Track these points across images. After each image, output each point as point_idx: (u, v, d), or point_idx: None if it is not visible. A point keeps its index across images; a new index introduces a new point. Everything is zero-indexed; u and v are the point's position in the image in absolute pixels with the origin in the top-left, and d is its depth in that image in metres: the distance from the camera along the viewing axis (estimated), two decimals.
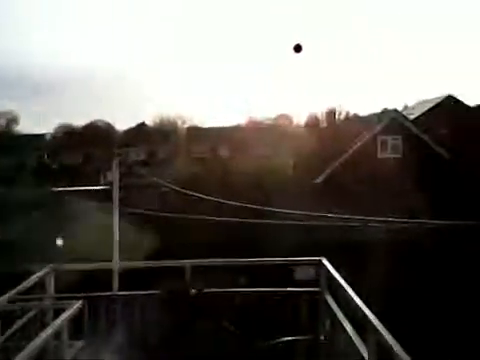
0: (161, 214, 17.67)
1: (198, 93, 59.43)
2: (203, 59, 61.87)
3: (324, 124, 41.47)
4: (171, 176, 24.21)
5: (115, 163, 9.15)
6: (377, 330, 3.65)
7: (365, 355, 4.05)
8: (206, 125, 48.32)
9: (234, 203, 15.94)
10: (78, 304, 4.49)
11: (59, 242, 11.75)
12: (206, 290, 5.82)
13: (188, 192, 17.12)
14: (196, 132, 46.54)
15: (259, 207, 16.37)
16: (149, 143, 45.66)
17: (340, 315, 5.13)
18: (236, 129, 44.65)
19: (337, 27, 56.99)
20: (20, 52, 54.96)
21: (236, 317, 5.88)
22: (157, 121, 52.00)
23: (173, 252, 10.13)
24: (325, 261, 6.00)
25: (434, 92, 37.66)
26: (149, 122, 51.84)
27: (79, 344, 4.87)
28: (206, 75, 60.94)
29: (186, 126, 51.09)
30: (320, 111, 43.24)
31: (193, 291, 5.75)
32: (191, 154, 42.04)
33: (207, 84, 61.94)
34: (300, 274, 7.01)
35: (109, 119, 50.53)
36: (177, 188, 18.50)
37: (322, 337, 5.74)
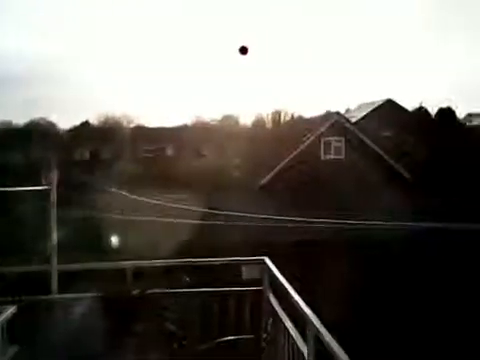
0: (96, 214, 17.33)
1: (145, 93, 58.68)
2: (150, 60, 61.14)
3: (270, 125, 41.96)
4: (114, 176, 23.80)
5: (53, 163, 8.88)
6: (315, 327, 3.72)
7: (305, 352, 4.12)
8: (152, 125, 47.77)
9: (172, 205, 15.86)
10: (12, 309, 4.32)
11: None
12: (149, 291, 5.75)
13: (127, 194, 16.91)
14: (142, 132, 45.91)
15: (197, 209, 16.37)
16: (93, 142, 44.64)
17: (281, 313, 5.20)
18: (182, 129, 44.42)
19: (282, 30, 57.70)
20: None
21: (180, 318, 5.85)
22: (102, 120, 50.94)
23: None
24: (267, 260, 6.07)
25: (375, 96, 38.90)
26: (93, 121, 50.69)
27: (14, 349, 4.68)
28: (153, 76, 60.29)
29: (132, 126, 50.30)
30: (266, 113, 43.71)
31: (135, 292, 5.67)
32: (136, 154, 41.45)
33: (154, 85, 61.30)
34: (247, 273, 7.05)
35: (51, 117, 49.04)
36: (115, 190, 18.26)
37: (264, 335, 5.80)
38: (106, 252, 11.08)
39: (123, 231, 13.88)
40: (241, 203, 17.50)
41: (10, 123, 48.68)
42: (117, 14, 58.46)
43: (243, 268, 6.79)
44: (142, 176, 23.17)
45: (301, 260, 14.07)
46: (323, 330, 3.61)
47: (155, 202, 17.81)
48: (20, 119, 48.58)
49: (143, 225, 16.14)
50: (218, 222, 16.43)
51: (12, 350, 4.66)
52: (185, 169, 24.23)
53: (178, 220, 16.32)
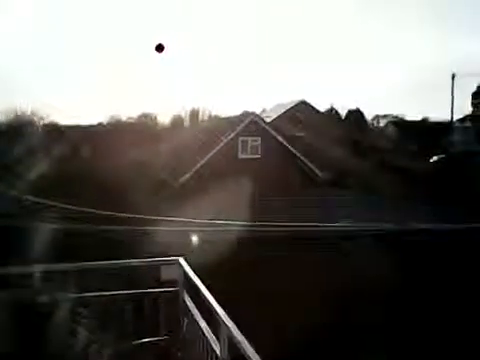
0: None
1: (58, 90, 56.24)
2: (63, 56, 58.75)
3: (188, 124, 41.84)
4: (23, 178, 22.61)
5: None
6: (227, 326, 3.77)
7: (218, 352, 4.17)
8: (65, 122, 45.93)
9: (78, 208, 15.31)
10: None
11: None
12: (58, 297, 5.53)
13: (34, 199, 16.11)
14: (54, 130, 44.02)
15: (103, 212, 15.94)
16: None
17: (196, 313, 5.22)
18: (98, 128, 43.11)
19: (200, 28, 57.68)
20: None
21: (93, 322, 5.68)
22: (10, 116, 48.23)
23: None
24: (181, 260, 6.06)
25: (290, 97, 39.97)
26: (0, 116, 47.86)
27: None
28: (67, 72, 57.96)
29: (43, 123, 48.08)
30: (184, 111, 43.50)
31: (43, 298, 5.44)
32: (48, 154, 39.69)
33: (68, 81, 58.97)
34: (165, 274, 7.00)
35: None
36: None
37: (180, 336, 5.79)
38: None
39: None
40: (155, 206, 17.28)
41: None
42: (27, 8, 55.59)
43: (161, 269, 6.74)
44: (53, 178, 22.14)
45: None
46: (234, 330, 3.67)
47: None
48: None
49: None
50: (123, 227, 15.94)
51: None
52: (102, 171, 23.52)
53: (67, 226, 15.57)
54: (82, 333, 5.62)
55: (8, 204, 18.18)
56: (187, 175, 23.45)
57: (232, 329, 3.69)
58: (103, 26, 57.61)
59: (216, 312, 4.11)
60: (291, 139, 25.84)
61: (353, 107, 39.46)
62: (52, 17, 58.04)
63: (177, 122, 43.33)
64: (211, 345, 4.44)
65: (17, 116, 48.55)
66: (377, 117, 44.79)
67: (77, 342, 5.42)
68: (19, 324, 5.15)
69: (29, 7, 53.48)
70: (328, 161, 24.93)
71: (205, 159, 23.86)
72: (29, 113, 48.57)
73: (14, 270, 6.04)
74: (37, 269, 5.80)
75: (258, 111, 30.30)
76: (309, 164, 24.63)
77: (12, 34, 55.59)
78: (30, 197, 16.30)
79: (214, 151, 24.10)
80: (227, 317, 3.89)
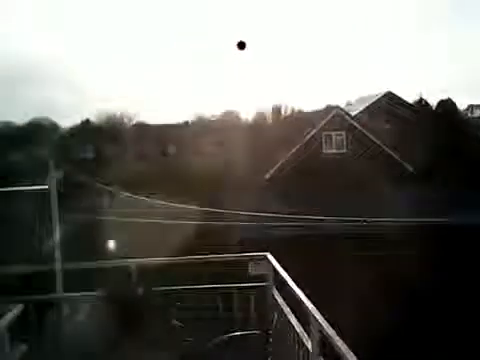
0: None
1: (144, 90, 58.48)
2: (147, 56, 60.90)
3: (270, 120, 41.91)
4: (116, 175, 23.79)
5: (51, 162, 8.89)
6: (318, 321, 3.76)
7: (309, 346, 4.16)
8: (153, 122, 47.73)
9: (178, 205, 15.82)
10: (19, 308, 4.37)
11: None
12: (154, 289, 5.79)
13: (130, 194, 16.88)
14: (143, 129, 45.91)
15: (200, 208, 16.34)
16: (94, 141, 44.64)
17: (286, 309, 5.23)
18: (184, 126, 44.40)
19: (280, 24, 57.47)
20: None
21: (185, 314, 5.89)
22: (103, 118, 50.93)
23: None
24: (270, 256, 6.11)
25: (375, 89, 38.70)
26: (94, 119, 50.67)
27: (23, 349, 4.73)
28: (151, 71, 60.09)
29: (132, 123, 50.31)
30: (266, 108, 43.59)
31: (140, 290, 5.71)
32: (138, 152, 41.44)
33: (152, 81, 61.12)
34: (254, 269, 7.11)
35: (52, 116, 48.95)
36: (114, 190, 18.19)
37: (270, 330, 5.84)
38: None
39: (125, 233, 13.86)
40: (247, 201, 17.48)
41: (10, 123, 48.69)
42: (112, 12, 58.24)
43: (249, 264, 6.83)
44: (146, 175, 23.07)
45: None
46: (326, 325, 3.65)
47: (162, 203, 17.73)
48: (21, 119, 48.55)
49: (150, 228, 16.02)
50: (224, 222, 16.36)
51: (21, 349, 4.71)
52: (188, 167, 24.20)
53: (187, 222, 16.20)
54: (175, 324, 5.87)
55: None
56: (271, 171, 23.51)
57: (323, 324, 3.67)
58: (185, 25, 59.05)
59: (307, 307, 4.10)
60: (378, 132, 25.10)
61: (444, 97, 37.55)
62: (133, 20, 60.29)
63: (260, 119, 43.54)
64: (302, 340, 4.43)
65: (108, 118, 51.22)
66: (471, 107, 42.34)
67: (173, 333, 5.67)
68: (121, 315, 5.46)
69: (111, 9, 56.07)
70: (419, 155, 23.92)
71: (289, 155, 23.79)
72: (119, 114, 51.07)
73: (113, 264, 6.41)
74: (133, 263, 6.12)
75: (342, 105, 29.66)
76: (398, 158, 23.79)
77: (98, 40, 58.55)
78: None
79: (298, 146, 23.96)
80: (318, 312, 3.88)
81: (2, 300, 5.25)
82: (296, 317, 4.88)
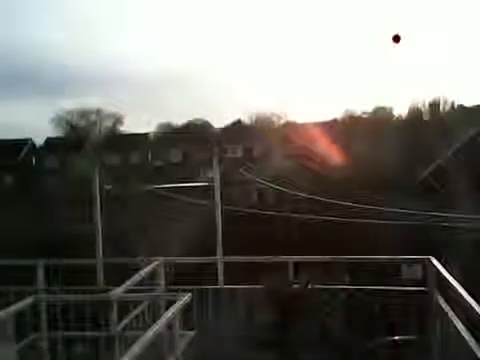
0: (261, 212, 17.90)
1: (292, 87, 59.11)
2: (294, 51, 61.18)
3: (427, 116, 39.50)
4: (269, 174, 24.36)
5: (215, 160, 9.39)
6: None
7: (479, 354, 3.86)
8: (301, 120, 47.98)
9: (342, 203, 15.75)
10: (188, 296, 4.68)
11: None
12: (310, 286, 5.83)
13: (287, 190, 17.18)
14: (292, 128, 46.39)
15: (369, 206, 16.06)
16: (246, 140, 46.26)
17: (451, 315, 4.91)
18: (333, 124, 43.88)
19: (436, 14, 53.82)
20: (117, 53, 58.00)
21: (340, 314, 5.84)
22: (253, 118, 52.58)
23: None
24: (434, 260, 5.78)
25: None
26: (245, 119, 52.51)
27: (191, 334, 5.08)
28: (299, 68, 60.40)
29: (282, 122, 51.14)
30: (422, 102, 41.16)
31: (297, 286, 5.79)
32: (288, 151, 41.97)
33: (301, 78, 61.44)
34: (407, 273, 6.83)
35: (206, 117, 51.82)
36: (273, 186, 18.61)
37: (431, 336, 5.55)
38: None
39: None
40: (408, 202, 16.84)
41: (170, 124, 52.55)
42: (249, 9, 59.46)
43: (403, 268, 6.55)
44: (297, 173, 23.32)
45: None
46: None
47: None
48: (178, 120, 52.15)
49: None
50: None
51: (189, 335, 5.06)
52: (343, 167, 23.92)
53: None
54: (330, 325, 5.84)
55: None
56: (426, 172, 22.22)
57: None
58: (336, 19, 58.27)
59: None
60: None
61: None
62: (281, 17, 61.00)
63: (415, 114, 41.26)
64: (470, 348, 4.12)
65: (258, 117, 52.72)
66: None
67: (329, 332, 5.66)
68: (276, 311, 5.61)
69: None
70: None
71: (447, 155, 22.24)
72: (268, 114, 52.24)
73: (272, 259, 6.57)
74: (290, 259, 6.22)
75: None
76: None
77: (239, 45, 60.29)
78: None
79: (457, 146, 22.29)
80: None
81: (173, 289, 5.71)
82: (465, 326, 4.55)
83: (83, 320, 4.92)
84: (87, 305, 4.99)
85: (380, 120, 42.02)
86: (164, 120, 52.32)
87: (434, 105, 38.98)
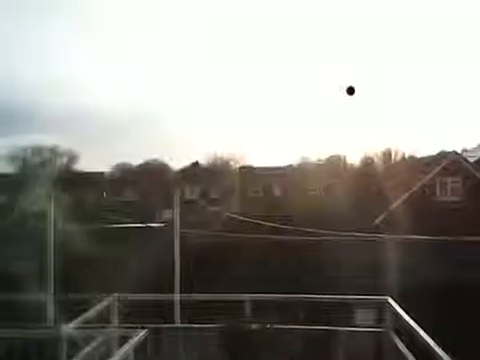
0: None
1: (247, 133, 59.88)
2: (249, 99, 62.32)
3: (379, 165, 40.85)
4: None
5: (175, 200, 9.31)
6: None
7: None
8: (258, 165, 48.60)
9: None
10: (143, 333, 4.53)
11: None
12: (268, 326, 5.74)
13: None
14: (248, 172, 46.89)
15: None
16: (203, 182, 46.30)
17: (409, 357, 4.92)
18: (288, 170, 44.67)
19: (388, 66, 56.18)
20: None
21: (298, 353, 5.76)
22: (210, 161, 52.85)
23: None
24: (391, 301, 5.82)
25: None
26: (202, 161, 52.71)
27: None
28: (254, 115, 61.45)
29: (238, 166, 51.63)
30: (374, 152, 42.68)
31: (255, 326, 5.68)
32: (245, 194, 42.22)
33: (256, 124, 62.46)
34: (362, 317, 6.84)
35: (163, 158, 51.64)
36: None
37: None
38: None
39: None
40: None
41: (127, 164, 52.07)
42: (205, 50, 60.52)
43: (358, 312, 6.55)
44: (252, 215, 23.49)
45: None
46: None
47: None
48: (135, 160, 51.67)
49: None
50: None
51: None
52: (294, 208, 24.25)
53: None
54: None
55: None
56: (381, 217, 22.70)
57: None
58: (287, 68, 60.14)
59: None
60: None
61: None
62: (231, 59, 62.56)
63: (367, 163, 42.63)
64: None
65: (215, 160, 53.07)
66: None
67: None
68: (235, 350, 5.48)
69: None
70: None
71: (400, 200, 22.89)
72: (225, 158, 52.72)
73: (228, 297, 6.47)
74: (248, 297, 6.14)
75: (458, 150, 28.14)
76: None
77: (203, 84, 61.27)
78: None
79: (410, 192, 23.02)
80: None
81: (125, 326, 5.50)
82: None
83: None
84: (34, 343, 4.72)
85: (334, 167, 43.11)
86: (120, 160, 51.82)
87: (386, 155, 40.50)
